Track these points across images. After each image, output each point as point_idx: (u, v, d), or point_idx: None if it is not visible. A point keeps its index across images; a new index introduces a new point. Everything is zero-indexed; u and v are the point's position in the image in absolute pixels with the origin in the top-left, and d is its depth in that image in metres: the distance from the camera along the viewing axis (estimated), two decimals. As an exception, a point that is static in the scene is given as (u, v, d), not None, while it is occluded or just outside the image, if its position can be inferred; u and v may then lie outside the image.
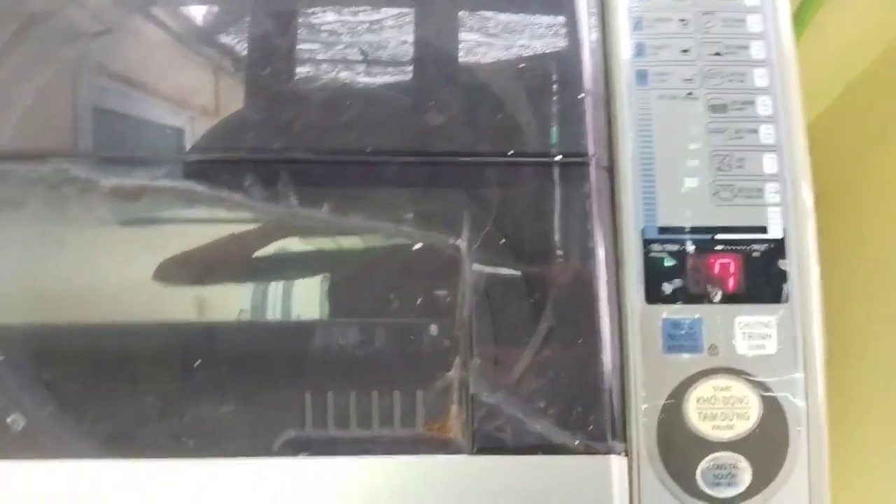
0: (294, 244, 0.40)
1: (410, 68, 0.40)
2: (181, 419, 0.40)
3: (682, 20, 0.43)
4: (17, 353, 0.39)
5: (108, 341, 0.39)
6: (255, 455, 0.39)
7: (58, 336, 0.39)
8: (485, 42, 0.41)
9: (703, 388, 0.39)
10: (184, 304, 0.40)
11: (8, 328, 0.39)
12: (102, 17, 0.40)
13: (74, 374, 0.40)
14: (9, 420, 0.40)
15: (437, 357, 0.40)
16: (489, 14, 0.42)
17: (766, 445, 0.39)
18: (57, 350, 0.39)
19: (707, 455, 0.39)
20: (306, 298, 0.41)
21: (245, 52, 0.40)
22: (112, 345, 0.39)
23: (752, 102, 0.42)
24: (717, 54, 0.42)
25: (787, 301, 0.40)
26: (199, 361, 0.40)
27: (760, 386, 0.39)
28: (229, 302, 0.40)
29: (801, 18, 0.76)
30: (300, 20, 0.41)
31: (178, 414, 0.40)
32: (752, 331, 0.40)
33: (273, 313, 0.40)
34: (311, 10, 0.41)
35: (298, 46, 0.41)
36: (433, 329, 0.40)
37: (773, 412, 0.39)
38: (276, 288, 0.41)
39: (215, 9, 0.41)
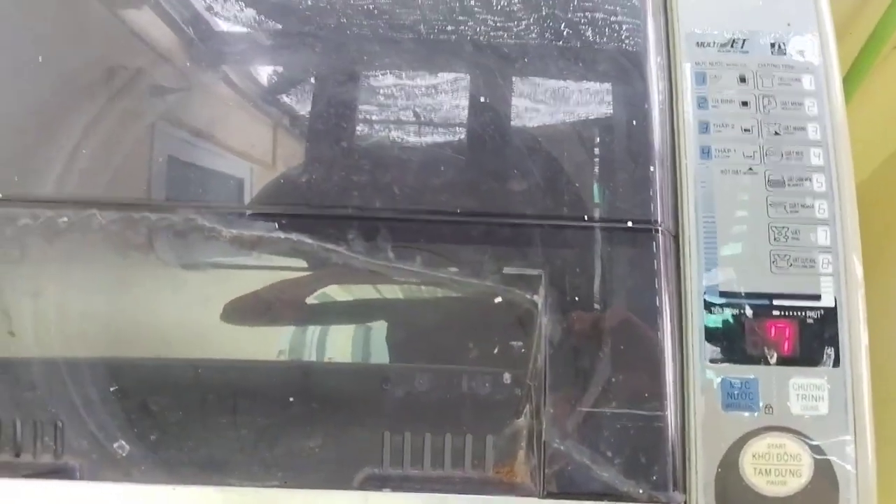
0: (387, 294, 0.44)
1: (497, 138, 0.44)
2: (272, 451, 0.44)
3: (745, 102, 0.46)
4: (129, 384, 0.43)
5: (211, 376, 0.43)
6: (338, 488, 0.43)
7: (167, 369, 0.43)
8: (566, 115, 0.45)
9: (759, 445, 0.42)
10: (282, 344, 0.44)
11: (123, 361, 0.43)
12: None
13: (179, 405, 0.43)
14: (115, 445, 0.44)
15: (509, 404, 0.43)
16: (571, 90, 0.46)
17: (818, 502, 0.41)
18: (165, 382, 0.43)
19: (761, 508, 0.41)
20: (392, 344, 0.44)
21: (354, 121, 0.45)
22: (215, 379, 0.43)
23: (808, 179, 0.45)
24: (777, 134, 0.46)
25: (838, 365, 0.43)
26: (292, 398, 0.43)
27: (813, 445, 0.42)
28: (323, 344, 0.44)
29: (849, 83, 0.80)
30: (399, 89, 0.46)
31: (270, 446, 0.43)
32: (805, 392, 0.43)
33: (363, 357, 0.44)
34: (409, 82, 0.46)
35: (399, 115, 0.45)
36: (507, 377, 0.43)
37: (824, 470, 0.42)
38: (368, 333, 0.44)
39: (327, 80, 0.46)
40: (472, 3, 0.47)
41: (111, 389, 0.43)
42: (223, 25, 0.48)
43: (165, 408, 0.43)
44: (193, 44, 0.48)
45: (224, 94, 0.46)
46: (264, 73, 0.47)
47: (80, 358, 0.44)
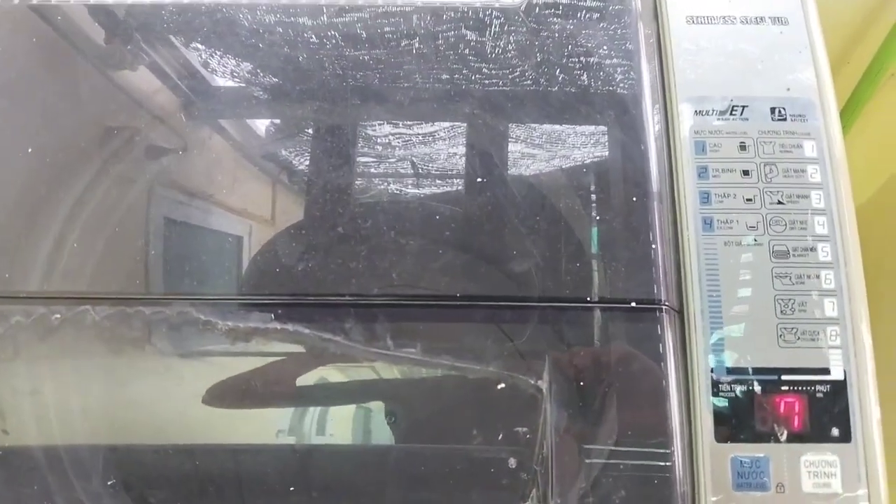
0: (387, 381, 0.43)
1: (496, 219, 0.44)
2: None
3: (746, 171, 0.46)
4: (127, 476, 0.42)
5: (209, 464, 0.42)
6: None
7: (165, 459, 0.42)
8: (565, 192, 0.45)
9: (772, 526, 0.41)
10: (282, 432, 0.43)
11: (121, 452, 0.42)
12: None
13: (178, 495, 0.43)
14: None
15: (514, 489, 0.42)
16: (570, 166, 0.45)
17: (834, 583, 0.41)
18: (163, 473, 0.42)
19: (775, 592, 0.41)
20: (394, 430, 0.43)
21: (350, 206, 0.44)
22: (213, 468, 0.42)
23: (813, 249, 0.45)
24: (780, 203, 0.45)
25: (849, 440, 0.42)
26: (292, 487, 0.43)
27: (827, 524, 0.41)
28: (324, 431, 0.43)
29: (847, 112, 0.79)
30: (391, 171, 0.45)
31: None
32: (817, 469, 0.42)
33: (365, 442, 0.43)
34: (401, 163, 0.45)
35: (393, 198, 0.45)
36: (512, 462, 0.42)
37: (840, 550, 0.41)
38: (368, 419, 0.44)
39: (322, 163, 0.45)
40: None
41: (108, 483, 0.43)
42: (213, 104, 0.47)
43: (164, 500, 0.42)
44: (183, 128, 0.47)
45: (214, 184, 0.45)
46: (256, 159, 0.47)
47: (77, 451, 0.43)
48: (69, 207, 0.43)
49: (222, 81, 0.47)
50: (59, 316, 0.41)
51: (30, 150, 0.44)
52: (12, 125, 0.46)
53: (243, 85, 0.46)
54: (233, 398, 0.43)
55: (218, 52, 0.48)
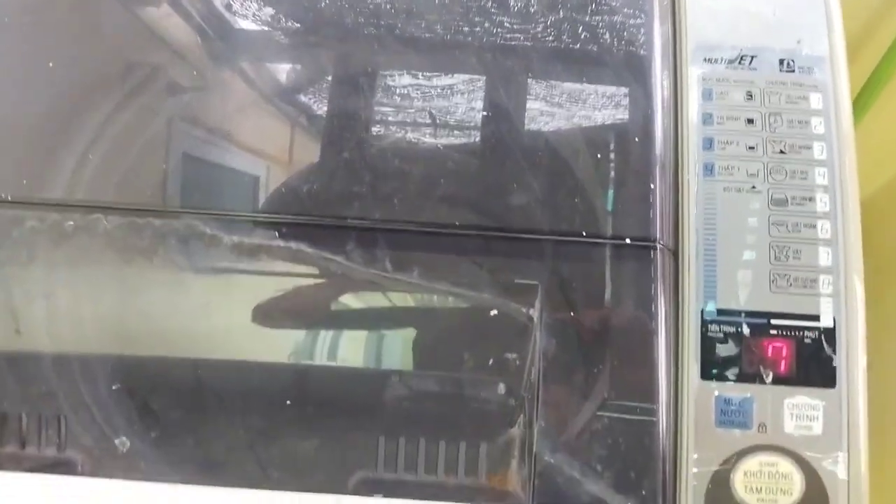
0: (383, 303, 0.44)
1: (497, 152, 0.45)
2: (268, 452, 0.45)
3: (750, 120, 0.46)
4: (132, 382, 0.44)
5: (211, 377, 0.44)
6: (332, 491, 0.43)
7: (169, 369, 0.44)
8: (566, 129, 0.46)
9: (751, 463, 0.42)
10: (281, 349, 0.45)
11: (127, 359, 0.44)
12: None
13: (179, 404, 0.44)
14: (117, 441, 0.45)
15: (503, 414, 0.43)
16: (573, 104, 0.46)
17: (808, 522, 0.42)
18: (166, 382, 0.44)
19: (751, 527, 0.42)
20: (388, 351, 0.45)
21: (357, 131, 0.45)
22: (215, 380, 0.44)
23: (811, 199, 0.45)
24: (782, 152, 0.46)
25: (834, 386, 0.43)
26: (289, 401, 0.44)
27: (805, 464, 0.42)
28: (321, 350, 0.45)
29: (860, 103, 0.79)
30: (399, 102, 0.46)
31: (266, 447, 0.44)
32: (800, 412, 0.43)
33: (359, 362, 0.45)
34: (411, 94, 0.46)
35: (401, 127, 0.46)
36: (501, 388, 0.44)
37: (816, 490, 0.42)
38: (364, 340, 0.45)
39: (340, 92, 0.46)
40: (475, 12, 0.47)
41: (114, 387, 0.44)
42: (229, 34, 0.49)
43: (165, 406, 0.44)
44: (201, 47, 0.48)
45: (229, 105, 0.46)
46: (270, 84, 0.48)
47: (84, 356, 0.45)
48: (89, 123, 0.45)
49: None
50: (72, 223, 0.43)
51: (50, 65, 0.45)
52: (40, 43, 0.47)
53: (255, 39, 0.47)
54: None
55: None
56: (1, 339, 0.45)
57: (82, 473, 0.44)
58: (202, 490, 0.42)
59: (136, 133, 0.46)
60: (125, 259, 0.43)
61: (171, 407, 0.44)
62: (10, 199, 0.44)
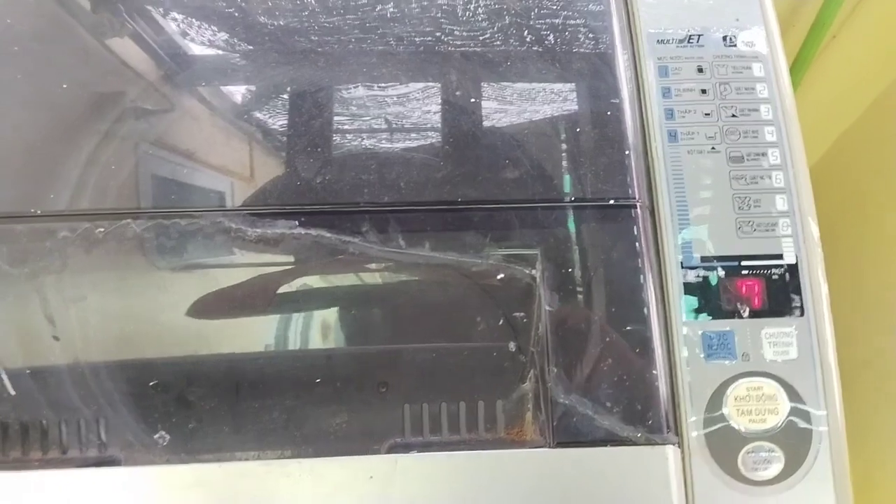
0: (399, 278, 0.49)
1: (491, 135, 0.50)
2: (302, 430, 0.48)
3: (703, 90, 0.52)
4: (167, 379, 0.47)
5: (244, 367, 0.47)
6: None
7: (202, 363, 0.47)
8: (550, 111, 0.51)
9: (739, 389, 0.48)
10: (304, 332, 0.49)
11: (161, 359, 0.47)
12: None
13: (214, 394, 0.47)
14: (156, 436, 0.48)
15: (515, 371, 0.48)
16: (553, 89, 0.52)
17: (795, 436, 0.47)
18: (201, 375, 0.47)
19: (746, 445, 0.47)
20: (406, 325, 0.49)
21: (364, 125, 0.50)
22: (247, 369, 0.47)
23: (764, 154, 0.51)
24: (734, 116, 0.52)
25: (803, 314, 0.49)
26: (318, 380, 0.48)
27: (786, 385, 0.48)
28: (341, 329, 0.49)
29: (794, 72, 0.87)
30: (398, 94, 0.51)
31: (300, 426, 0.48)
32: (776, 340, 0.48)
33: (378, 339, 0.49)
34: (407, 90, 0.51)
35: (404, 120, 0.50)
36: (512, 346, 0.48)
37: (798, 406, 0.47)
38: (381, 316, 0.49)
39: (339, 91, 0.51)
40: (463, 12, 0.53)
41: (151, 384, 0.47)
42: (239, 41, 0.53)
43: (202, 398, 0.47)
44: (216, 56, 0.52)
45: (242, 110, 0.50)
46: (278, 89, 0.52)
47: (119, 358, 0.47)
48: (105, 135, 0.48)
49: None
50: (102, 230, 0.46)
51: (64, 85, 0.49)
52: (43, 64, 0.50)
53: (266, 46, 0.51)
54: (221, 309, 0.48)
55: (197, 21, 0.53)
56: (39, 348, 0.47)
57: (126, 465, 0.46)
58: (249, 465, 0.45)
59: (151, 143, 0.49)
60: (155, 260, 0.46)
61: (208, 397, 0.47)
62: (39, 213, 0.47)
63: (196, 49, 0.53)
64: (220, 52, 0.52)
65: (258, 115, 0.50)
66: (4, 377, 0.46)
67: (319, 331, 0.48)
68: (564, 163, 0.49)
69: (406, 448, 0.47)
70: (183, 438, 0.47)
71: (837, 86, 0.92)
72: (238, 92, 0.51)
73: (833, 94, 0.92)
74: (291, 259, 0.47)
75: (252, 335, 0.48)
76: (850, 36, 0.90)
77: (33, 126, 0.49)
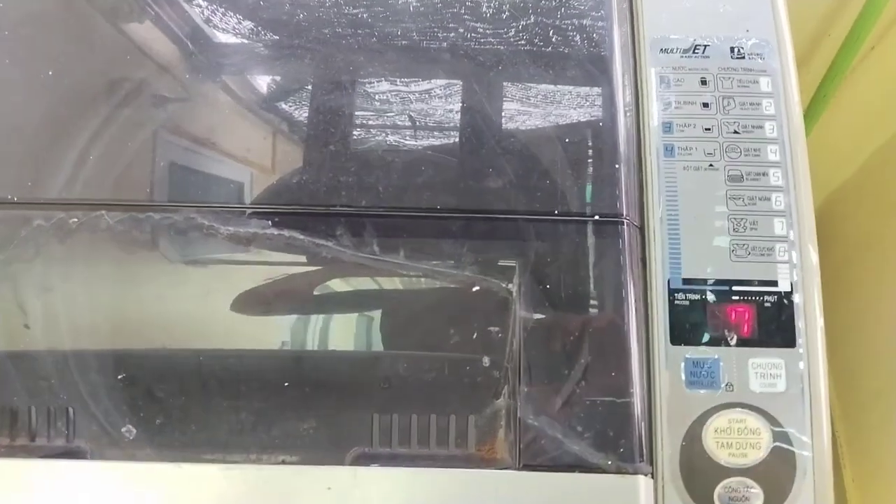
0: (372, 285, 0.47)
1: (474, 140, 0.48)
2: (269, 433, 0.47)
3: (705, 104, 0.50)
4: (136, 372, 0.47)
5: (212, 364, 0.47)
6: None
7: (171, 358, 0.47)
8: (534, 116, 0.49)
9: (720, 420, 0.45)
10: (276, 333, 0.48)
11: (130, 351, 0.47)
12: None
13: (182, 391, 0.47)
14: (123, 430, 0.48)
15: (488, 386, 0.46)
16: (543, 95, 0.50)
17: (776, 473, 0.45)
18: (169, 370, 0.47)
19: (723, 479, 0.45)
20: (378, 332, 0.48)
21: (342, 126, 0.48)
22: (216, 367, 0.47)
23: (765, 174, 0.49)
24: (736, 132, 0.49)
25: (794, 346, 0.46)
26: (287, 384, 0.47)
27: (771, 420, 0.45)
28: (314, 333, 0.48)
29: (828, 83, 0.83)
30: (380, 97, 0.50)
31: (268, 428, 0.47)
32: (763, 371, 0.46)
33: (351, 344, 0.48)
34: (391, 90, 0.50)
35: (382, 120, 0.49)
36: (486, 361, 0.46)
37: (782, 443, 0.45)
38: (354, 321, 0.48)
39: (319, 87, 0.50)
40: (449, 14, 0.51)
41: (119, 377, 0.47)
42: (221, 38, 0.52)
43: (170, 394, 0.47)
44: (194, 55, 0.51)
45: (221, 103, 0.50)
46: (260, 83, 0.51)
47: (89, 349, 0.47)
48: (87, 126, 0.48)
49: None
50: (76, 220, 0.46)
51: (50, 72, 0.48)
52: (39, 51, 0.50)
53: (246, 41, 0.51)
54: (251, 307, 0.47)
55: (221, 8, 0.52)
56: (10, 336, 0.47)
57: (92, 459, 0.46)
58: (208, 469, 0.44)
59: (132, 136, 0.49)
60: (127, 252, 0.46)
61: (175, 394, 0.47)
62: (15, 199, 0.46)
63: (188, 41, 0.52)
64: (201, 44, 0.51)
65: (236, 112, 0.49)
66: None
67: (291, 333, 0.47)
68: (551, 173, 0.47)
69: (373, 459, 0.46)
70: (149, 434, 0.46)
71: (876, 97, 0.88)
72: (221, 87, 0.50)
73: (870, 106, 0.88)
74: (263, 259, 0.46)
75: (223, 333, 0.47)
76: (890, 47, 0.86)
77: (13, 113, 0.49)
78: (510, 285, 0.45)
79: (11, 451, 0.46)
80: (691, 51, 0.51)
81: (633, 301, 0.46)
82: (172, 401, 0.47)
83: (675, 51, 0.51)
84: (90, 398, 0.47)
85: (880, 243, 0.77)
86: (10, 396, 0.47)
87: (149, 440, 0.47)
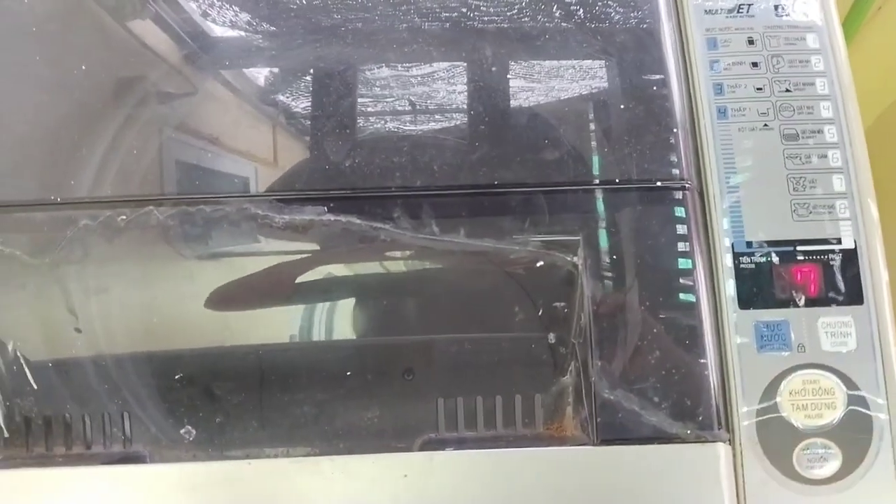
0: (432, 267, 0.46)
1: (529, 113, 0.47)
2: (332, 423, 0.46)
3: (754, 63, 0.49)
4: (193, 372, 0.45)
5: (272, 358, 0.45)
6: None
7: (229, 355, 0.45)
8: (591, 88, 0.48)
9: (794, 382, 0.45)
10: (335, 323, 0.46)
11: (186, 351, 0.45)
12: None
13: (241, 388, 0.45)
14: (182, 431, 0.46)
15: (555, 363, 0.45)
16: (594, 64, 0.48)
17: (853, 431, 0.44)
18: (229, 367, 0.45)
19: (801, 441, 0.44)
20: (441, 313, 0.47)
21: (394, 107, 0.47)
22: (276, 361, 0.45)
23: (820, 131, 0.48)
24: (787, 91, 0.49)
25: (862, 303, 0.46)
26: (348, 373, 0.46)
27: (844, 378, 0.45)
28: (372, 320, 0.46)
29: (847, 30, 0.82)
30: (431, 74, 0.48)
31: (330, 419, 0.46)
32: (833, 330, 0.45)
33: (414, 328, 0.46)
34: (440, 67, 0.48)
35: (431, 98, 0.48)
36: (551, 338, 0.46)
37: (857, 401, 0.45)
38: (413, 306, 0.47)
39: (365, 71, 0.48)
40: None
41: (176, 378, 0.45)
42: (264, 24, 0.50)
43: (229, 391, 0.45)
44: (238, 39, 0.50)
45: (266, 92, 0.48)
46: (302, 69, 0.49)
47: (145, 350, 0.46)
48: (126, 120, 0.46)
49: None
50: (124, 217, 0.44)
51: (84, 67, 0.47)
52: (66, 50, 0.48)
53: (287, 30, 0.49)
54: (242, 299, 0.46)
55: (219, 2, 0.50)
56: (58, 342, 0.45)
57: (151, 462, 0.45)
58: (279, 463, 0.43)
59: (173, 127, 0.47)
60: (180, 248, 0.44)
61: (235, 391, 0.45)
62: (59, 200, 0.45)
63: (218, 30, 0.50)
64: (243, 32, 0.50)
65: (283, 97, 0.47)
66: (26, 370, 0.45)
67: (349, 321, 0.46)
68: (607, 142, 0.46)
69: (440, 444, 0.45)
70: (209, 433, 0.45)
71: (881, 62, 0.87)
72: (262, 74, 0.48)
73: (875, 72, 0.88)
74: (319, 246, 0.45)
75: (279, 326, 0.46)
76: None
77: (53, 111, 0.47)
78: (575, 259, 0.44)
79: (69, 461, 0.45)
80: (735, 10, 0.50)
81: (700, 267, 0.45)
82: (232, 398, 0.45)
83: (719, 11, 0.50)
84: (147, 401, 0.45)
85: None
86: (61, 404, 0.45)
87: (209, 440, 0.45)
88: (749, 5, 0.50)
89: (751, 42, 0.49)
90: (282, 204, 0.44)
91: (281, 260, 0.45)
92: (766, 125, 0.48)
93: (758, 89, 0.49)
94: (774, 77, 0.49)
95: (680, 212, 0.45)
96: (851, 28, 0.85)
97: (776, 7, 0.50)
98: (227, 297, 0.45)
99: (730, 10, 0.50)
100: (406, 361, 0.46)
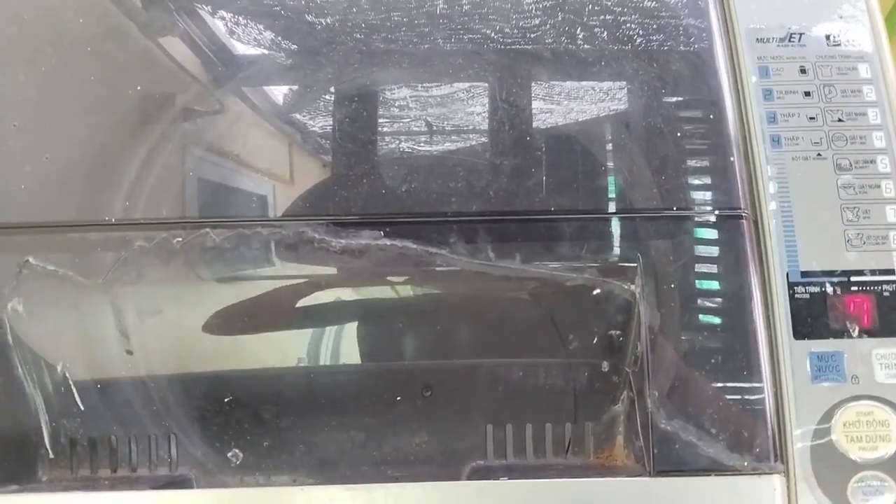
0: (486, 292, 0.46)
1: (587, 139, 0.47)
2: (381, 450, 0.45)
3: (807, 92, 0.49)
4: (241, 396, 0.45)
5: (321, 382, 0.45)
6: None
7: (278, 379, 0.45)
8: (648, 115, 0.48)
9: (849, 414, 0.44)
10: (385, 347, 0.46)
11: (235, 373, 0.45)
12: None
13: (290, 411, 0.45)
14: (229, 454, 0.46)
15: (607, 392, 0.45)
16: (651, 91, 0.48)
17: (908, 464, 0.44)
18: (276, 391, 0.45)
19: (855, 474, 0.44)
20: (496, 339, 0.46)
21: (450, 132, 0.47)
22: (325, 385, 0.45)
23: (872, 161, 0.48)
24: (840, 121, 0.49)
25: (917, 334, 0.46)
26: (398, 398, 0.45)
27: (900, 411, 0.44)
28: (423, 345, 0.46)
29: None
30: (494, 103, 0.48)
31: (378, 444, 0.45)
32: (888, 361, 0.45)
33: (461, 355, 0.46)
34: (496, 95, 0.48)
35: (490, 126, 0.47)
36: (605, 366, 0.45)
37: (911, 435, 0.44)
38: (465, 331, 0.46)
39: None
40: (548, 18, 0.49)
41: (225, 401, 0.45)
42: (314, 44, 0.50)
43: (277, 415, 0.45)
44: (273, 65, 0.49)
45: (317, 120, 0.48)
46: (350, 92, 0.49)
47: (192, 372, 0.45)
48: (179, 141, 0.46)
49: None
50: (179, 240, 0.44)
51: (138, 87, 0.46)
52: (108, 65, 0.48)
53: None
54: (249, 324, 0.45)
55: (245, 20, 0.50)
56: (109, 362, 0.45)
57: (198, 487, 0.44)
58: (331, 490, 0.42)
59: (227, 151, 0.47)
60: (235, 270, 0.44)
61: (283, 415, 0.45)
62: (114, 221, 0.44)
63: (259, 51, 0.50)
64: (286, 55, 0.49)
65: (335, 121, 0.47)
66: (74, 391, 0.44)
67: (402, 346, 0.45)
68: (665, 170, 0.46)
69: (489, 472, 0.44)
70: (257, 457, 0.45)
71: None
72: (317, 99, 0.48)
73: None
74: (375, 270, 0.44)
75: (326, 350, 0.45)
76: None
77: (104, 131, 0.46)
78: (632, 286, 0.44)
79: (114, 484, 0.44)
80: (787, 39, 0.50)
81: (756, 297, 0.45)
82: (280, 422, 0.45)
83: (770, 40, 0.50)
84: (194, 424, 0.45)
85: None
86: (105, 427, 0.45)
87: (257, 464, 0.45)
88: (801, 34, 0.50)
89: (803, 71, 0.50)
90: (338, 228, 0.44)
91: (334, 283, 0.45)
92: (819, 154, 0.48)
93: (811, 118, 0.48)
94: (827, 107, 0.49)
95: (737, 240, 0.45)
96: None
97: (827, 36, 0.50)
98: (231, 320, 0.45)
99: (781, 39, 0.50)
100: (456, 386, 0.46)
